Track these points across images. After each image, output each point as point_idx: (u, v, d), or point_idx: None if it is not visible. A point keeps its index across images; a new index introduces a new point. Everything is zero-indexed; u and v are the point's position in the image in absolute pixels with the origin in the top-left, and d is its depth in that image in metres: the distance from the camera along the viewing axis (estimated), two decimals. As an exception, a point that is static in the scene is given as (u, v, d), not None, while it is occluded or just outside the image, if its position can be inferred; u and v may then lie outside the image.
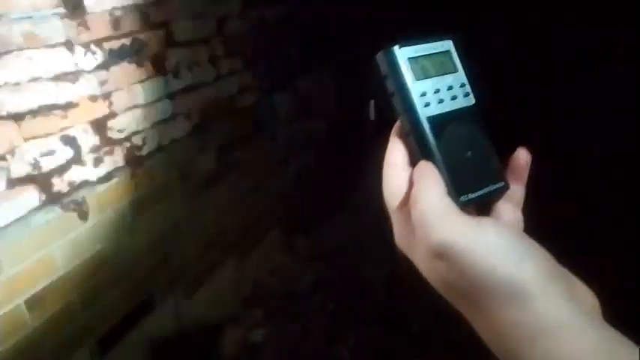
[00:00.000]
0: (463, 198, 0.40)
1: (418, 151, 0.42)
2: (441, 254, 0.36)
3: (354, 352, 2.87)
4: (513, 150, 0.43)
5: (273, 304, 3.29)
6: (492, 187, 0.41)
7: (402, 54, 0.42)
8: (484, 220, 0.38)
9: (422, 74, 0.42)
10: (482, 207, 0.42)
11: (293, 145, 3.75)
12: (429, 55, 0.42)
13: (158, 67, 2.36)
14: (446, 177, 0.40)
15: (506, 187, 0.42)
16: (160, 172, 2.41)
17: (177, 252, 2.56)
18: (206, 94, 2.72)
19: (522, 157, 0.43)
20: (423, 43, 0.43)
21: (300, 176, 3.90)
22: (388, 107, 0.44)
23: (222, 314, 2.93)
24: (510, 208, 0.42)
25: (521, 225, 0.41)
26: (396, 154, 0.43)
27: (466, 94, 0.43)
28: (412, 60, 0.42)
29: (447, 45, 0.43)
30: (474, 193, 0.41)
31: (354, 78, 5.21)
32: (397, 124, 0.44)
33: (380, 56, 0.42)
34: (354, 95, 5.16)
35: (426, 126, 0.41)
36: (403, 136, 0.43)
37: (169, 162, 2.47)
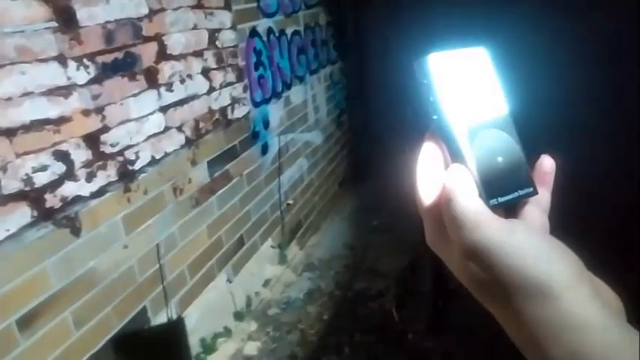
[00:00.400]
0: (493, 201, 0.41)
1: (451, 155, 0.43)
2: (474, 253, 0.38)
3: (350, 364, 2.86)
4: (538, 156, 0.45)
5: (267, 315, 3.27)
6: (521, 192, 0.42)
7: (438, 62, 0.44)
8: (515, 222, 0.40)
9: (456, 81, 0.43)
10: (510, 211, 0.44)
11: (286, 155, 3.75)
12: (464, 62, 0.44)
13: (151, 80, 2.35)
14: (477, 180, 0.41)
15: (534, 193, 0.43)
16: (154, 186, 2.39)
17: (171, 266, 2.54)
18: (199, 107, 2.71)
19: (547, 163, 0.44)
20: (457, 51, 0.44)
21: (293, 185, 3.90)
22: (424, 112, 0.45)
23: (215, 327, 2.90)
24: (537, 213, 0.43)
25: (547, 230, 0.43)
26: (429, 156, 0.44)
27: (498, 102, 0.44)
28: (447, 67, 0.44)
29: (481, 53, 0.45)
30: (503, 197, 0.42)
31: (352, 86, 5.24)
32: (432, 128, 0.45)
33: (416, 64, 0.44)
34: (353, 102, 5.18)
35: (460, 132, 0.42)
36: (437, 140, 0.44)
37: (162, 175, 2.45)
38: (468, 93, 0.43)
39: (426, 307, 3.13)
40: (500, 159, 0.42)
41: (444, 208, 0.41)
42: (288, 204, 3.83)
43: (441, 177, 0.43)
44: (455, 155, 0.43)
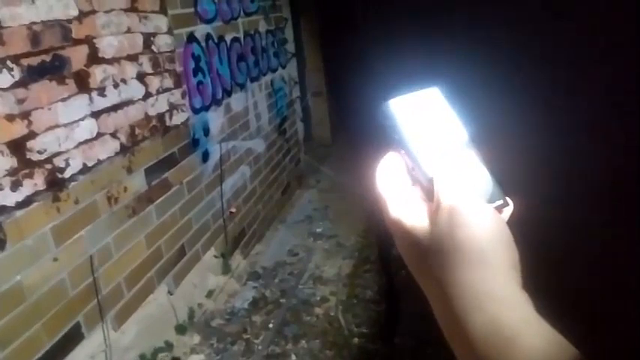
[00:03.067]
0: None
1: (420, 180, 0.48)
2: (454, 213, 0.41)
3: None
4: None
5: (211, 327, 3.18)
6: (493, 205, 0.46)
7: (398, 105, 0.49)
8: (489, 208, 0.44)
9: (417, 119, 0.49)
10: None
11: (228, 162, 3.70)
12: (420, 102, 0.50)
13: (82, 84, 2.25)
14: None
15: (505, 204, 0.46)
16: (86, 195, 2.28)
17: (106, 279, 2.42)
18: (134, 113, 2.62)
19: None
20: (413, 94, 0.50)
21: (236, 193, 3.84)
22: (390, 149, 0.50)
23: (156, 342, 2.80)
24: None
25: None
26: (391, 166, 0.49)
27: (457, 130, 0.49)
28: (407, 108, 0.49)
29: (435, 92, 0.51)
30: None
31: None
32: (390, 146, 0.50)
33: (379, 109, 0.49)
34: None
35: (426, 158, 0.47)
36: (408, 170, 0.49)
37: (95, 184, 2.34)
38: (429, 126, 0.48)
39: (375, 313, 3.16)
40: (467, 178, 0.46)
41: (440, 194, 0.44)
42: (231, 212, 3.77)
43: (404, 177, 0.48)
44: (424, 179, 0.47)
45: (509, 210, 0.47)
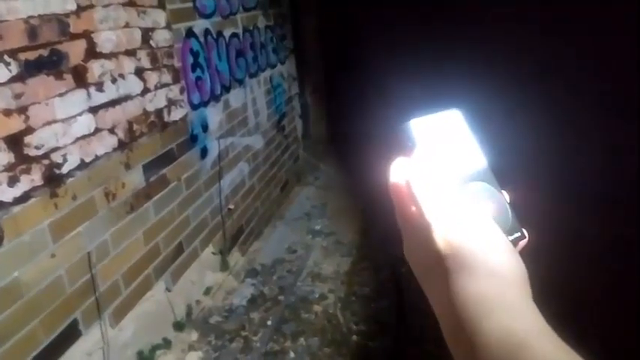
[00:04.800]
0: None
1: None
2: (456, 229, 0.42)
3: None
4: None
5: (209, 324, 3.17)
6: (510, 238, 0.45)
7: (419, 126, 0.48)
8: (494, 224, 0.44)
9: (437, 142, 0.48)
10: None
11: (226, 159, 3.68)
12: (441, 124, 0.49)
13: (79, 79, 2.23)
14: None
15: (522, 237, 0.46)
16: (83, 191, 2.26)
17: (104, 275, 2.40)
18: (132, 108, 2.60)
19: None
20: (434, 115, 0.49)
21: (234, 190, 3.82)
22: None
23: (154, 339, 2.78)
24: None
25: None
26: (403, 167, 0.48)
27: (477, 157, 0.48)
28: (427, 130, 0.48)
29: (456, 115, 0.50)
30: None
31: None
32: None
33: (400, 129, 0.49)
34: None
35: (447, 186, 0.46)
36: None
37: (93, 180, 2.32)
38: (449, 151, 0.48)
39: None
40: (486, 208, 0.45)
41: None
42: (230, 209, 3.76)
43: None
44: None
45: (524, 242, 0.46)
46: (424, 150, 0.47)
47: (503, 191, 0.47)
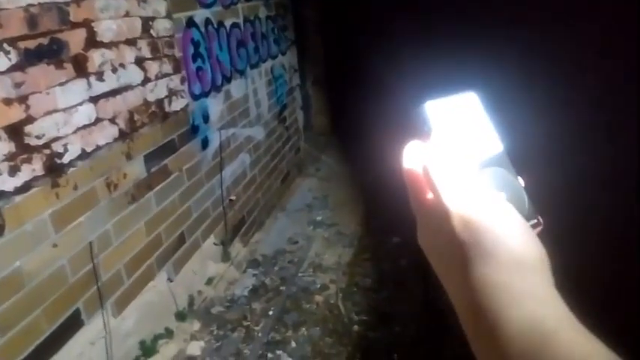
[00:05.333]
0: None
1: None
2: (470, 217, 0.41)
3: (295, 356, 2.83)
4: None
5: (211, 314, 3.18)
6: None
7: (434, 108, 0.47)
8: (512, 207, 0.43)
9: (453, 125, 0.46)
10: None
11: (227, 150, 3.67)
12: (458, 107, 0.47)
13: (80, 68, 2.22)
14: None
15: (539, 224, 0.45)
16: (85, 181, 2.26)
17: (106, 265, 2.41)
18: (133, 98, 2.59)
19: None
20: (450, 97, 0.48)
21: (236, 181, 3.82)
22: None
23: (156, 329, 2.79)
24: None
25: None
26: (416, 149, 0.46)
27: (493, 141, 0.47)
28: (443, 113, 0.47)
29: (472, 97, 0.48)
30: None
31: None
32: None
33: (415, 112, 0.47)
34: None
35: (466, 171, 0.44)
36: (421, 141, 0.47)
37: (94, 170, 2.32)
38: (465, 135, 0.46)
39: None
40: (502, 194, 0.44)
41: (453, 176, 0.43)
42: (231, 200, 3.75)
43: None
44: None
45: (539, 229, 0.45)
46: (440, 134, 0.45)
47: (519, 177, 0.46)
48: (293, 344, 2.93)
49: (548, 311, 0.36)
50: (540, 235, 0.44)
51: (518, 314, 0.36)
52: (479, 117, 0.48)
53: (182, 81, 3.07)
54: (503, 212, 0.41)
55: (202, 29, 3.34)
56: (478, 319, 0.38)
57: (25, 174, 1.95)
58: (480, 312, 0.38)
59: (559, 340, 0.34)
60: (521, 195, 0.45)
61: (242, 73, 4.00)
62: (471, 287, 0.39)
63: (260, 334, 3.00)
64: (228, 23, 3.74)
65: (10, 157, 1.88)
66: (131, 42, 2.58)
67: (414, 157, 0.46)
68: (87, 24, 2.27)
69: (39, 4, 2.01)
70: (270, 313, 3.20)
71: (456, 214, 0.41)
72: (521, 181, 0.46)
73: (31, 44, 1.97)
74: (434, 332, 2.70)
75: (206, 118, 3.39)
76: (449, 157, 0.44)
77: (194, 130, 3.23)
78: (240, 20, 3.98)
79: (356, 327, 3.06)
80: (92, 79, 2.29)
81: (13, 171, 1.89)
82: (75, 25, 2.19)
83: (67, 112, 2.15)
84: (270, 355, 2.85)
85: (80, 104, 2.22)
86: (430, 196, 0.44)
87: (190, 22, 3.19)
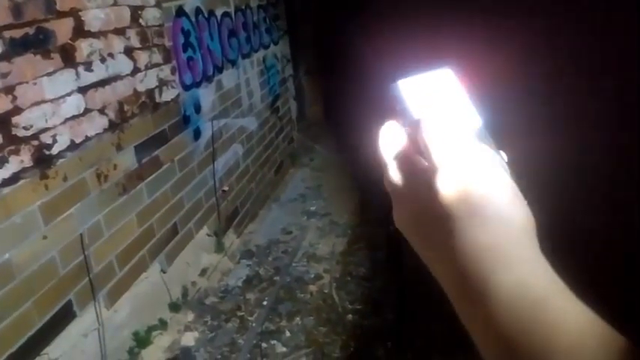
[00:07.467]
0: None
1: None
2: (464, 175, 0.39)
3: (289, 345, 2.83)
4: None
5: (205, 305, 3.18)
6: None
7: (408, 87, 0.45)
8: (501, 168, 0.42)
9: (429, 103, 0.45)
10: None
11: (220, 140, 3.65)
12: (432, 84, 0.46)
13: (68, 58, 2.19)
14: None
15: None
16: (74, 172, 2.24)
17: (97, 257, 2.40)
18: (123, 89, 2.57)
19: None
20: (424, 74, 0.47)
21: (229, 172, 3.81)
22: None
23: (149, 320, 2.79)
24: None
25: None
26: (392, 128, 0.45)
27: (471, 116, 0.46)
28: (417, 91, 0.45)
29: (447, 73, 0.47)
30: None
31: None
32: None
33: (388, 91, 0.46)
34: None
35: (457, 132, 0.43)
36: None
37: (84, 161, 2.30)
38: (442, 112, 0.44)
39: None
40: (497, 152, 0.43)
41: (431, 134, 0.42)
42: (224, 190, 3.74)
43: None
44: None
45: None
46: (416, 110, 0.44)
47: (501, 151, 0.45)
48: (287, 334, 2.93)
49: (538, 276, 0.35)
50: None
51: (508, 279, 0.35)
52: (455, 92, 0.46)
53: (172, 71, 3.04)
54: (495, 171, 0.40)
55: (193, 18, 3.31)
56: (466, 285, 0.37)
57: (13, 165, 1.93)
58: (468, 277, 0.37)
59: (548, 306, 0.34)
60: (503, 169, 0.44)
61: (234, 63, 3.97)
62: (458, 250, 0.38)
63: (254, 324, 3.00)
64: (219, 12, 3.70)
65: (-3, 149, 1.86)
66: (120, 31, 2.55)
67: (388, 135, 0.45)
68: (74, 13, 2.24)
69: (24, -8, 1.98)
70: (264, 303, 3.20)
71: (446, 171, 0.39)
72: (503, 155, 0.45)
73: (16, 34, 1.94)
74: (417, 315, 2.71)
75: (197, 109, 3.36)
76: (436, 120, 0.43)
77: (185, 120, 3.21)
78: (232, 9, 3.95)
79: (350, 316, 3.06)
80: (80, 69, 2.27)
81: (1, 163, 1.87)
82: (62, 15, 2.16)
83: (55, 103, 2.13)
84: (264, 344, 2.85)
85: (68, 95, 2.20)
86: (415, 158, 0.43)
87: (180, 12, 3.16)
